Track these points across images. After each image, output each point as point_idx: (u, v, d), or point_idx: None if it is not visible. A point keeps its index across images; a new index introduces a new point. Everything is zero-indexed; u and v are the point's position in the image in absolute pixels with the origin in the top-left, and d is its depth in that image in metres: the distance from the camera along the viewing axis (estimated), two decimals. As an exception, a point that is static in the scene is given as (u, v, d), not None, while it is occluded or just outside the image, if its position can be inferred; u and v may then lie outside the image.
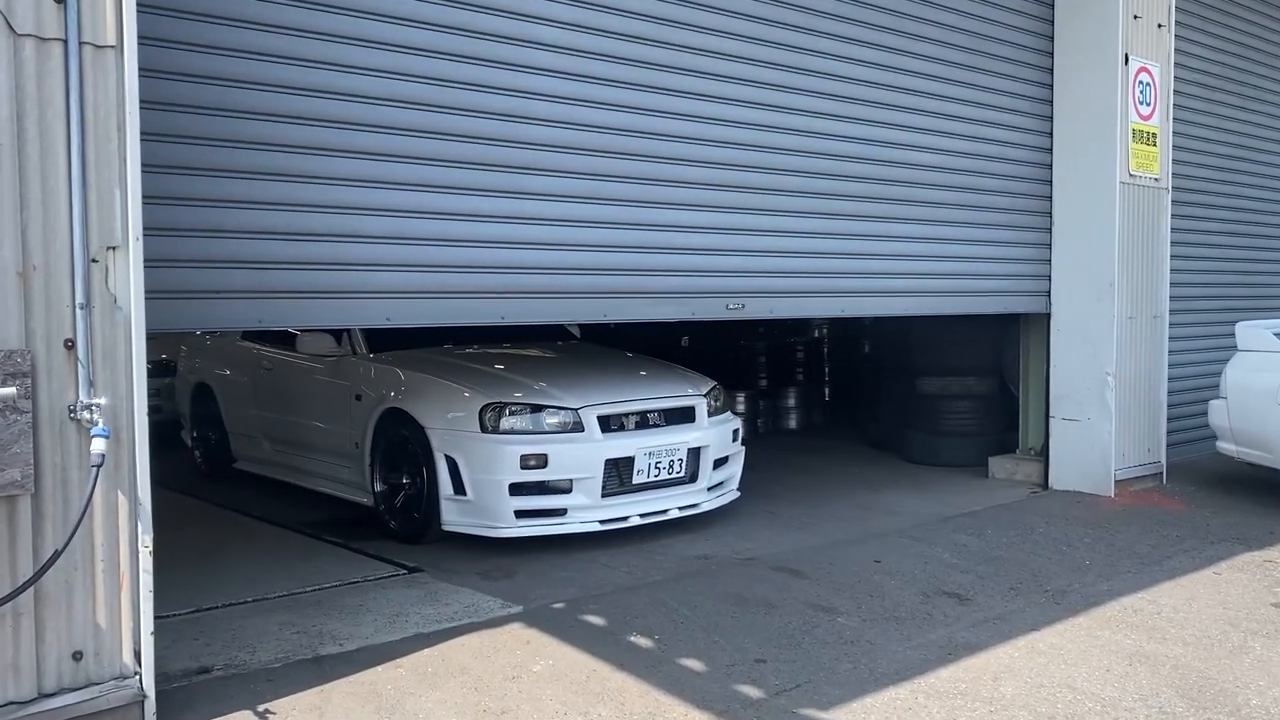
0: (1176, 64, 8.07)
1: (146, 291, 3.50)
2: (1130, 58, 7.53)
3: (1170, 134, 7.98)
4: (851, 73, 6.53)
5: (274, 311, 4.43)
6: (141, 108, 3.49)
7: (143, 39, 3.60)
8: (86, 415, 3.34)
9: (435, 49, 4.78)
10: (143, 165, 3.50)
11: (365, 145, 4.58)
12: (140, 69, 3.49)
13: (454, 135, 4.85)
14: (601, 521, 5.93)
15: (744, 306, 6.05)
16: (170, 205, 4.02)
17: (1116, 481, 7.56)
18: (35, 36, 3.28)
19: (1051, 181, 7.79)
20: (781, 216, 6.21)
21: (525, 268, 5.12)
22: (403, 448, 6.17)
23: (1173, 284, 8.09)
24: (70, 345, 3.36)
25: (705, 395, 6.57)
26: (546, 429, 5.90)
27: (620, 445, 6.00)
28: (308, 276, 4.46)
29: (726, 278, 5.95)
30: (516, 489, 5.75)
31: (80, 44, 3.34)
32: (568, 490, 5.86)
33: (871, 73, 6.64)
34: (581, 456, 5.87)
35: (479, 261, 4.97)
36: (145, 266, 3.49)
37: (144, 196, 3.50)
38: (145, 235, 3.50)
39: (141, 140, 3.49)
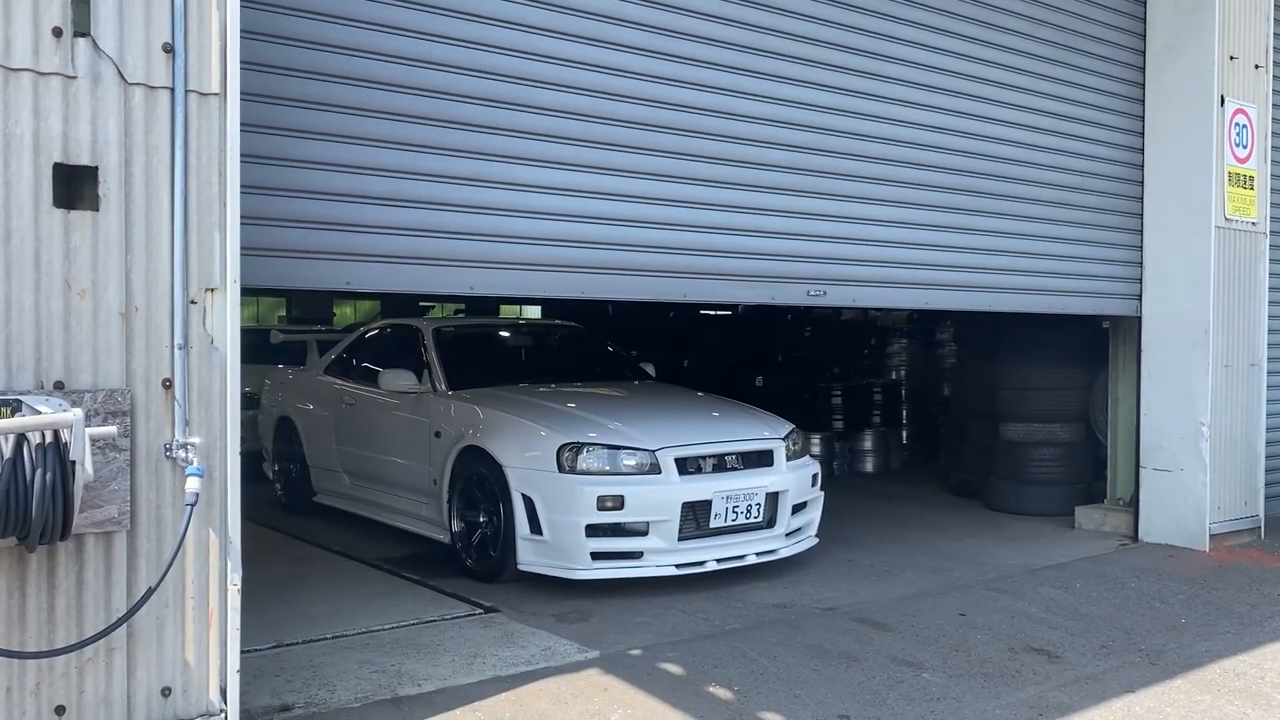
0: (1275, 105, 7.84)
1: (243, 248, 3.58)
2: (1226, 99, 7.34)
3: (1269, 177, 7.74)
4: (939, 63, 6.48)
5: (361, 274, 4.46)
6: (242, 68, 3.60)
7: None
8: (182, 454, 3.41)
9: (521, 21, 4.83)
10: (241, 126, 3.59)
11: (453, 115, 4.64)
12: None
13: (538, 108, 4.89)
14: (678, 566, 5.86)
15: (825, 294, 5.98)
16: (265, 164, 4.09)
17: (1211, 535, 7.28)
18: (145, 85, 3.39)
19: (1142, 230, 7.61)
20: (865, 204, 6.15)
21: (606, 243, 5.14)
22: (480, 485, 6.19)
23: (1271, 331, 7.83)
24: (168, 385, 3.43)
25: (784, 438, 6.48)
26: (624, 470, 5.87)
27: (697, 488, 5.93)
28: (395, 241, 4.50)
29: (808, 263, 5.90)
30: (593, 530, 5.72)
31: (186, 92, 3.45)
32: (644, 533, 5.81)
33: (960, 64, 6.59)
34: (659, 499, 5.82)
35: (561, 235, 4.98)
36: (242, 223, 3.59)
37: (242, 155, 3.59)
38: (242, 192, 3.59)
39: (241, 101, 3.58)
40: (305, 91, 4.24)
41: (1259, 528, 7.70)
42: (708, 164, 5.48)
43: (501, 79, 4.78)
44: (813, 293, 5.93)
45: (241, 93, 3.59)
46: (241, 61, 3.59)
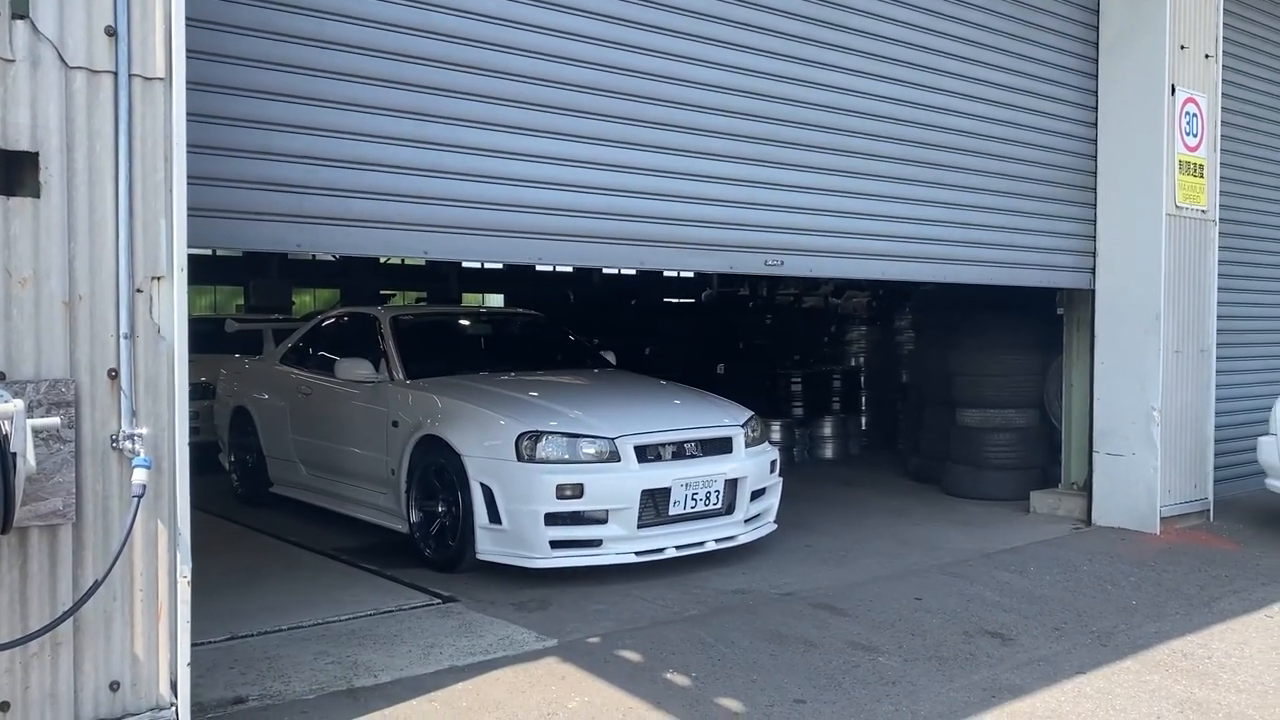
0: (1224, 94, 7.95)
1: (190, 209, 3.51)
2: (1177, 88, 7.43)
3: (1218, 165, 7.85)
4: (895, 34, 6.52)
5: (314, 236, 4.39)
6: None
7: None
8: (128, 445, 3.35)
9: None
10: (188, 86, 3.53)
11: (404, 76, 4.58)
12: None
13: (490, 70, 4.85)
14: (637, 553, 5.87)
15: (782, 263, 6.01)
16: (215, 124, 4.02)
17: (1162, 519, 7.40)
18: (86, 69, 3.31)
19: (1095, 213, 7.70)
20: (821, 174, 6.18)
21: (561, 209, 5.11)
22: (438, 475, 6.15)
23: (1220, 317, 7.95)
24: (114, 375, 3.37)
25: (743, 426, 6.50)
26: (583, 458, 5.85)
27: (657, 476, 5.94)
28: (348, 204, 4.44)
29: (765, 233, 5.92)
30: (552, 519, 5.70)
31: (130, 76, 3.37)
32: (603, 521, 5.81)
33: (915, 36, 6.64)
34: (618, 487, 5.82)
35: (514, 200, 4.94)
36: (189, 184, 3.51)
37: (189, 114, 3.51)
38: (190, 152, 3.51)
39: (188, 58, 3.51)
40: (253, 50, 4.16)
41: (1208, 510, 7.84)
42: (662, 131, 5.46)
43: (454, 41, 4.73)
44: (770, 262, 5.95)
45: (188, 50, 3.51)
46: (187, 18, 3.52)
